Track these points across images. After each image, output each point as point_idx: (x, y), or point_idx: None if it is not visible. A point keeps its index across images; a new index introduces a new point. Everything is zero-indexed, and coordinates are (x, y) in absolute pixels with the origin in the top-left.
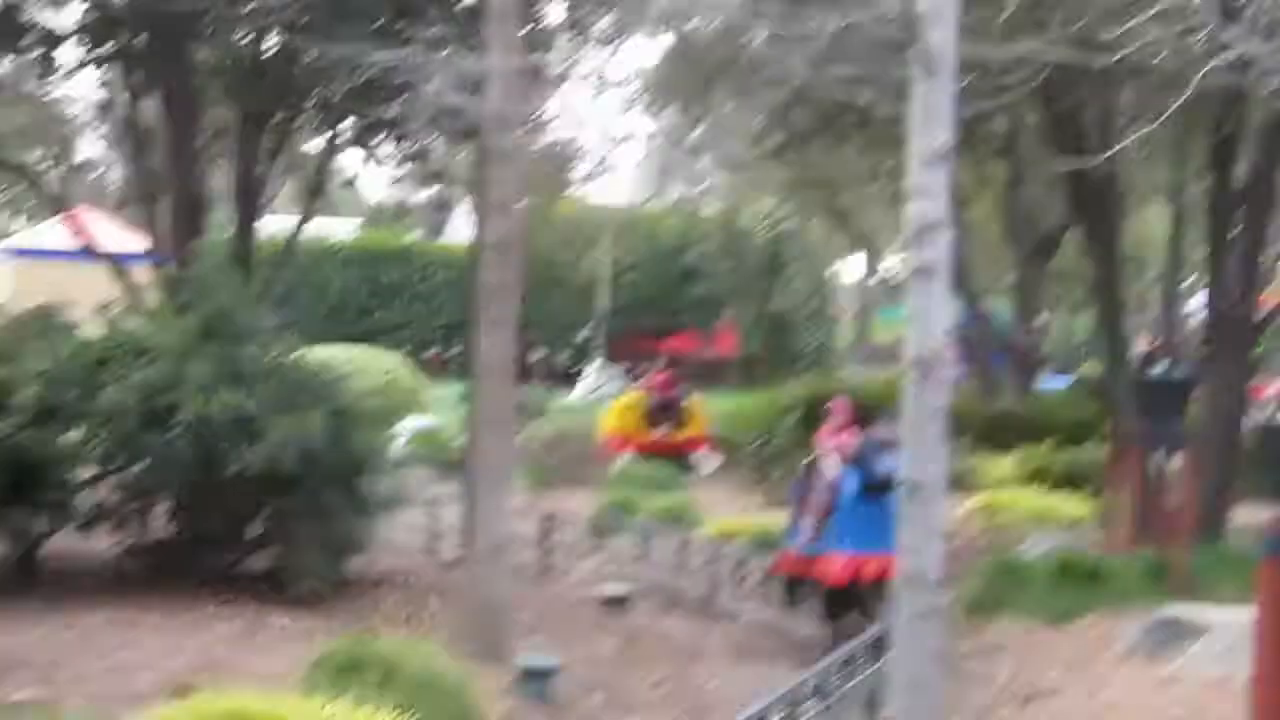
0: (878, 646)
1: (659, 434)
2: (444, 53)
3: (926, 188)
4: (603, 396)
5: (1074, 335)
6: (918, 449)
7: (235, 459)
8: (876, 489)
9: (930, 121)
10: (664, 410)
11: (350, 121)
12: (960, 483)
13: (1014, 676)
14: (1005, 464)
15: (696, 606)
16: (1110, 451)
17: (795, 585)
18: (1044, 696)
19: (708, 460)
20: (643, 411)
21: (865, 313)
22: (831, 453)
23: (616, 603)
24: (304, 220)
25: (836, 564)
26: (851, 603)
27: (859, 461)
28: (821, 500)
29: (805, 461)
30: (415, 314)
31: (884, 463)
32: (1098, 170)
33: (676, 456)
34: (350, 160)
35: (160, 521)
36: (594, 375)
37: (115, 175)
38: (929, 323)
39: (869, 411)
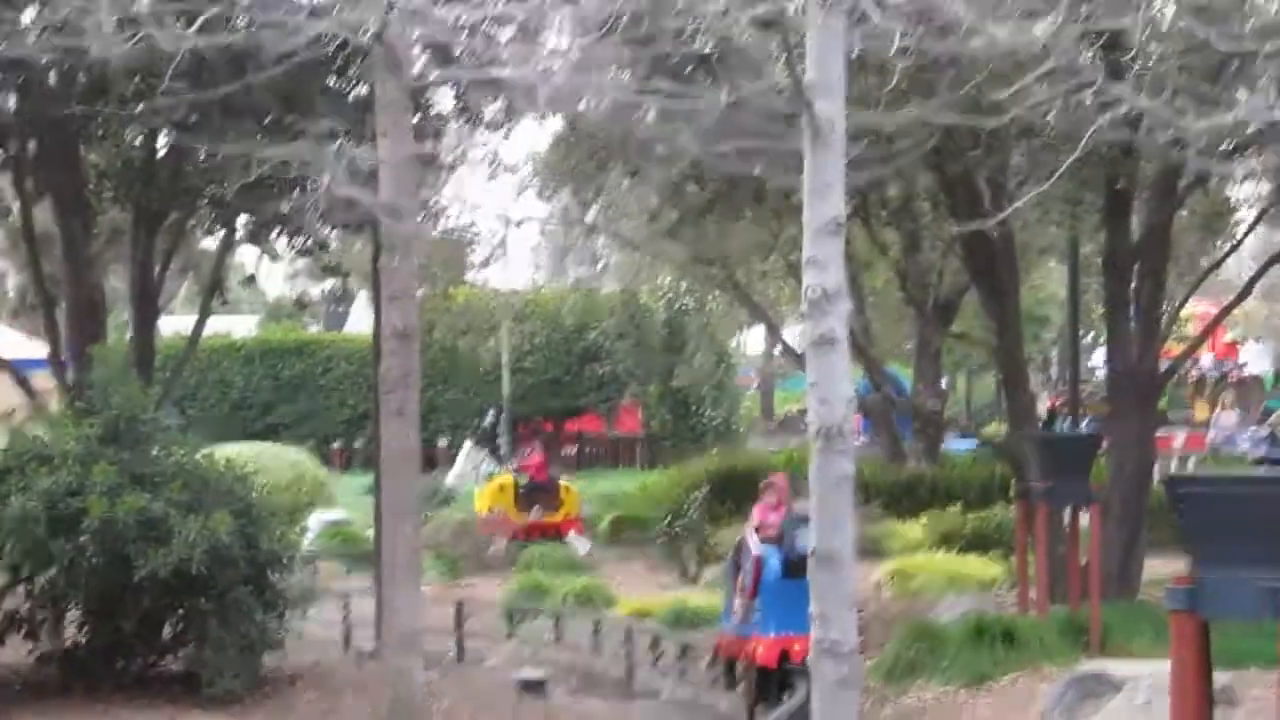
0: (800, 717)
1: (533, 516)
2: (335, 145)
3: (821, 258)
4: (477, 479)
5: (977, 397)
6: (825, 518)
7: (144, 562)
8: (800, 568)
9: (823, 192)
10: (537, 492)
11: (245, 218)
12: (871, 550)
13: None
14: (915, 529)
15: (615, 687)
16: (1019, 511)
17: (733, 666)
18: None
19: (580, 542)
20: (514, 494)
21: (768, 385)
22: (752, 532)
23: (534, 687)
24: (203, 319)
25: (763, 645)
26: (782, 684)
27: (781, 540)
28: (748, 581)
29: (736, 541)
30: (318, 407)
31: (806, 539)
32: (993, 232)
33: (550, 538)
34: (247, 257)
35: (72, 628)
36: (466, 458)
37: (11, 282)
38: (830, 392)
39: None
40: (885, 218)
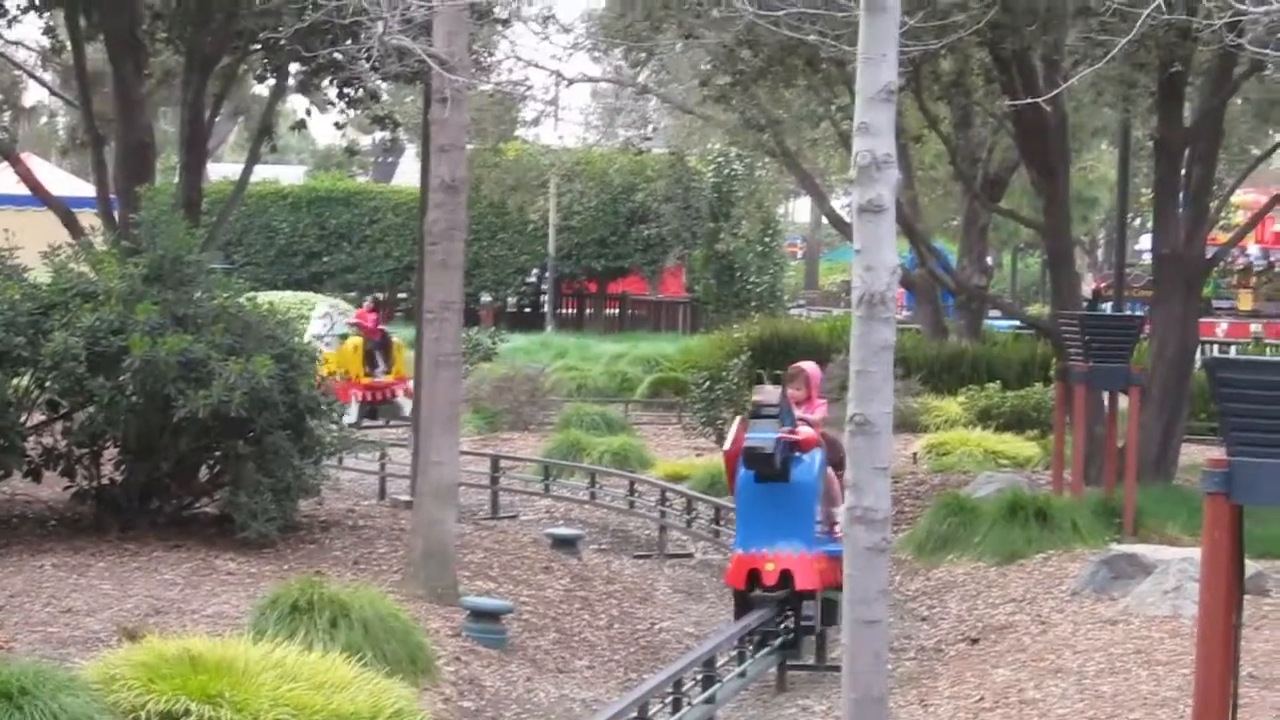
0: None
1: (376, 376)
2: None
3: (873, 125)
4: (329, 341)
5: (1022, 276)
6: (864, 386)
7: (183, 403)
8: (760, 466)
9: (876, 60)
10: (377, 350)
11: (297, 65)
12: (908, 424)
13: (963, 615)
14: (953, 405)
15: (646, 548)
16: (1058, 391)
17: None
18: (993, 634)
19: (406, 403)
20: (363, 354)
21: (813, 254)
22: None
23: (566, 544)
24: (251, 164)
25: (730, 563)
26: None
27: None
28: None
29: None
30: (363, 258)
31: (757, 433)
32: (1045, 111)
33: (385, 400)
34: (298, 104)
35: (109, 467)
36: (319, 318)
37: (62, 121)
38: (876, 259)
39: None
40: (937, 92)
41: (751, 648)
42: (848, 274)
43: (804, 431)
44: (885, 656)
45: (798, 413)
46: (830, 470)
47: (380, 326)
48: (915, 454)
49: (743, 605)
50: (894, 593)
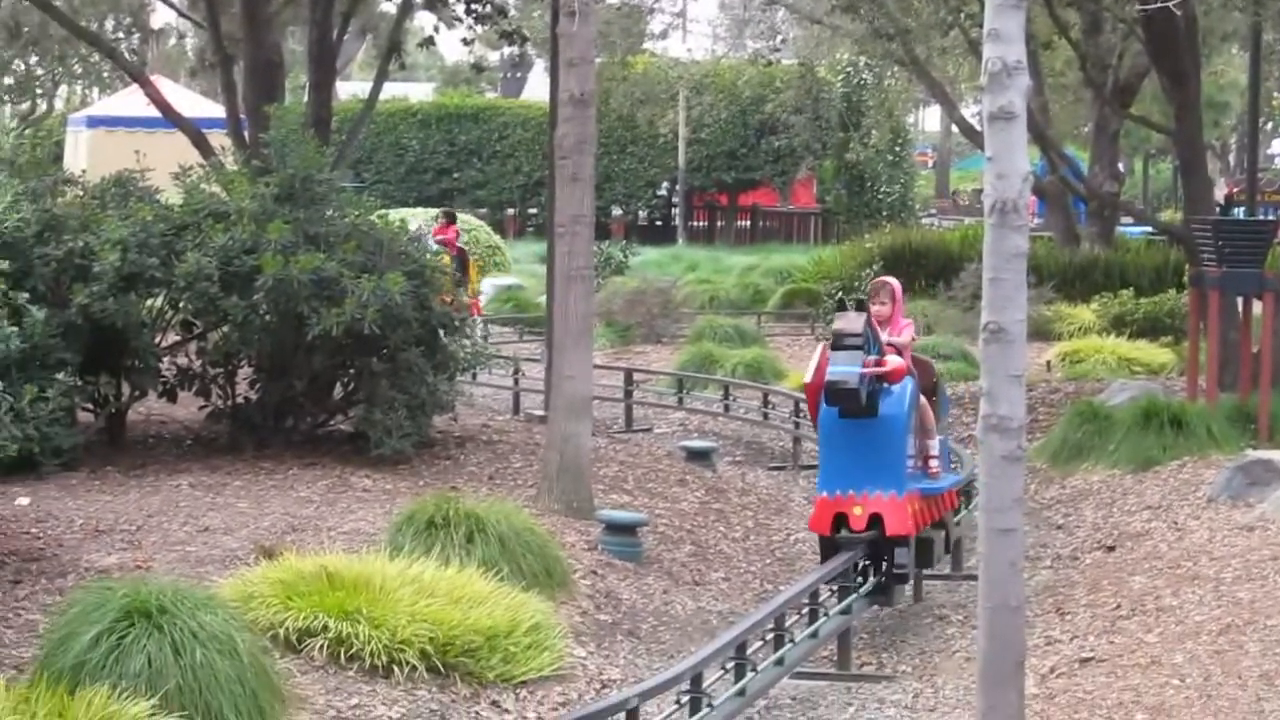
0: (962, 495)
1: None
2: None
3: (1003, 31)
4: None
5: (1153, 182)
6: (997, 293)
7: (316, 321)
8: (844, 402)
9: None
10: (459, 270)
11: None
12: (1041, 332)
13: (1099, 523)
14: (1086, 312)
15: (780, 459)
16: (1191, 298)
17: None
18: (1129, 542)
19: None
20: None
21: (943, 164)
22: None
23: (700, 457)
24: (380, 81)
25: (814, 506)
26: (850, 555)
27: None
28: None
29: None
30: (493, 174)
31: (840, 366)
32: (1175, 15)
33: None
34: (425, 21)
35: (243, 386)
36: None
37: (190, 42)
38: (1007, 167)
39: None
40: None
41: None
42: (979, 183)
43: (892, 361)
44: (1021, 565)
45: (884, 336)
46: (923, 399)
47: (459, 244)
48: (1049, 362)
49: (830, 551)
50: (1029, 501)
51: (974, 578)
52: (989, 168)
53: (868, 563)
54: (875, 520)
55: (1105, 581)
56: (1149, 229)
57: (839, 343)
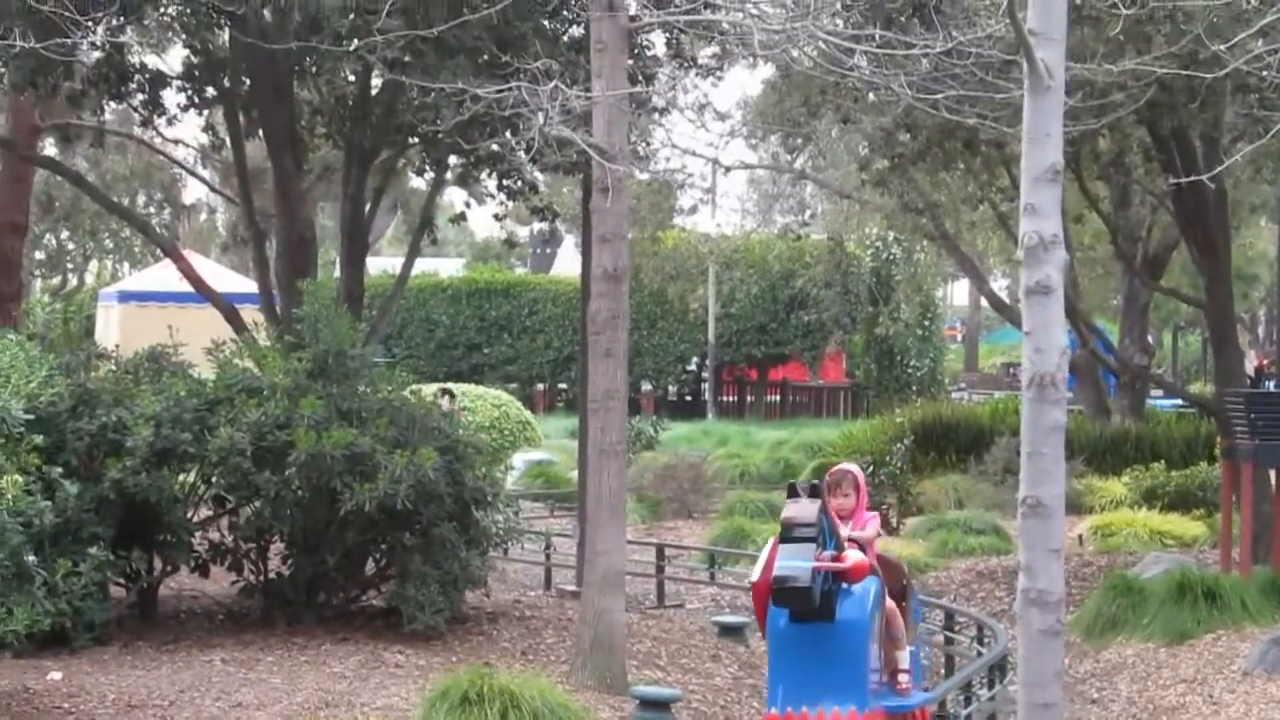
0: (996, 670)
1: None
2: (549, 85)
3: (1039, 206)
4: None
5: (1182, 355)
6: (1036, 468)
7: (349, 496)
8: (795, 603)
9: (1041, 140)
10: None
11: (455, 158)
12: (1073, 505)
13: (1134, 697)
14: (1118, 485)
15: None
16: (1224, 470)
17: None
18: (1164, 716)
19: None
20: None
21: (973, 337)
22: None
23: (733, 631)
24: (412, 257)
25: None
26: None
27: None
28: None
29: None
30: (523, 349)
31: (789, 560)
32: (1205, 188)
33: None
34: (456, 197)
35: (275, 561)
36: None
37: (221, 217)
38: (1045, 341)
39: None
40: (1097, 171)
41: None
42: (1008, 356)
43: (852, 556)
44: None
45: (845, 530)
46: (890, 603)
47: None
48: (1081, 535)
49: None
50: (1063, 675)
51: None
52: (1027, 342)
53: None
54: None
55: None
56: (1179, 401)
57: (789, 534)
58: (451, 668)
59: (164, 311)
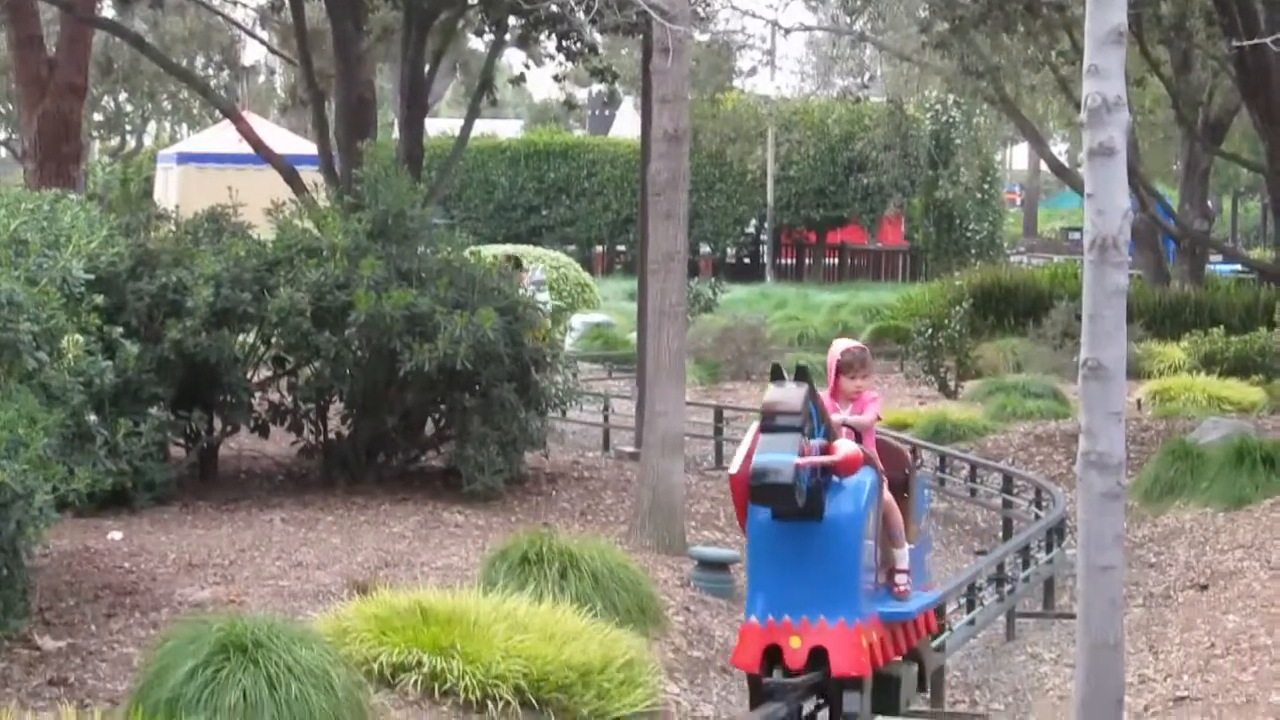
0: (1054, 534)
1: None
2: None
3: (1103, 67)
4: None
5: (1242, 220)
6: (1098, 330)
7: (409, 357)
8: (777, 499)
9: (1105, 1)
10: None
11: (515, 19)
12: (1132, 370)
13: (1191, 561)
14: (1177, 351)
15: None
16: None
17: None
18: (1222, 580)
19: None
20: None
21: (1031, 201)
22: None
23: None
24: (471, 119)
25: (742, 635)
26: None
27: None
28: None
29: None
30: (582, 211)
31: (770, 453)
32: (1267, 52)
33: None
34: (515, 58)
35: (335, 421)
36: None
37: (280, 79)
38: (1107, 203)
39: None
40: (1158, 35)
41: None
42: (1067, 221)
43: (842, 447)
44: (1120, 603)
45: (842, 416)
46: (889, 498)
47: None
48: (1139, 400)
49: (762, 697)
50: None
51: (1066, 616)
52: (1089, 204)
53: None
54: (818, 655)
55: (1199, 620)
56: (1239, 267)
57: (771, 422)
58: (511, 528)
59: (223, 173)
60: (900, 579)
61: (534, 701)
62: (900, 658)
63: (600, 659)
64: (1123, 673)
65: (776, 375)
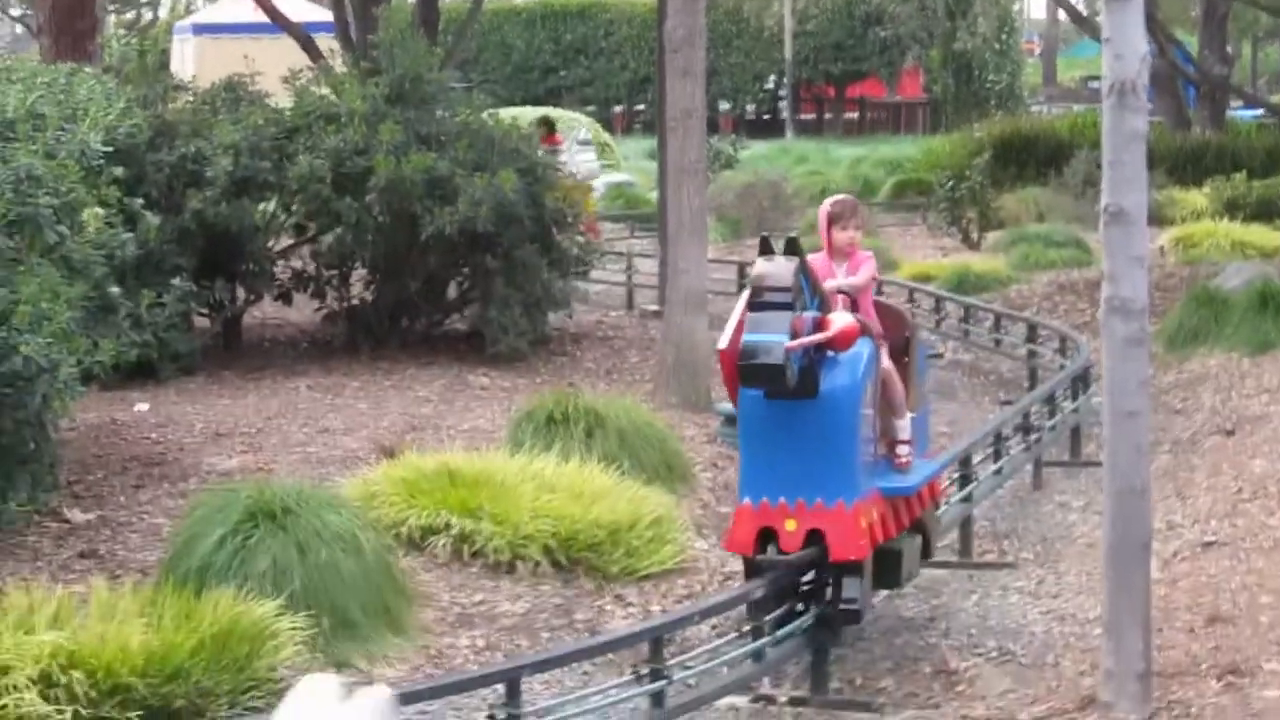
0: (1079, 381)
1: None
2: None
3: None
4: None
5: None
6: (1118, 176)
7: (430, 220)
8: (766, 379)
9: None
10: None
11: None
12: (1154, 217)
13: (1217, 407)
14: (1199, 197)
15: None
16: None
17: None
18: (1248, 425)
19: None
20: None
21: (1050, 51)
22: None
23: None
24: None
25: (734, 518)
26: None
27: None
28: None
29: None
30: (600, 71)
31: (759, 333)
32: None
33: None
34: None
35: (358, 287)
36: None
37: None
38: (1125, 47)
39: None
40: None
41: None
42: (1086, 70)
43: (837, 320)
44: (1146, 449)
45: (835, 282)
46: (887, 363)
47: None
48: (1162, 247)
49: (753, 575)
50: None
51: (1093, 464)
52: (1106, 49)
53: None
54: (814, 536)
55: (1225, 465)
56: (1260, 112)
57: (759, 298)
58: (536, 389)
59: (239, 43)
60: (902, 450)
61: (563, 561)
62: (903, 531)
63: (628, 517)
64: (1150, 518)
65: (765, 248)
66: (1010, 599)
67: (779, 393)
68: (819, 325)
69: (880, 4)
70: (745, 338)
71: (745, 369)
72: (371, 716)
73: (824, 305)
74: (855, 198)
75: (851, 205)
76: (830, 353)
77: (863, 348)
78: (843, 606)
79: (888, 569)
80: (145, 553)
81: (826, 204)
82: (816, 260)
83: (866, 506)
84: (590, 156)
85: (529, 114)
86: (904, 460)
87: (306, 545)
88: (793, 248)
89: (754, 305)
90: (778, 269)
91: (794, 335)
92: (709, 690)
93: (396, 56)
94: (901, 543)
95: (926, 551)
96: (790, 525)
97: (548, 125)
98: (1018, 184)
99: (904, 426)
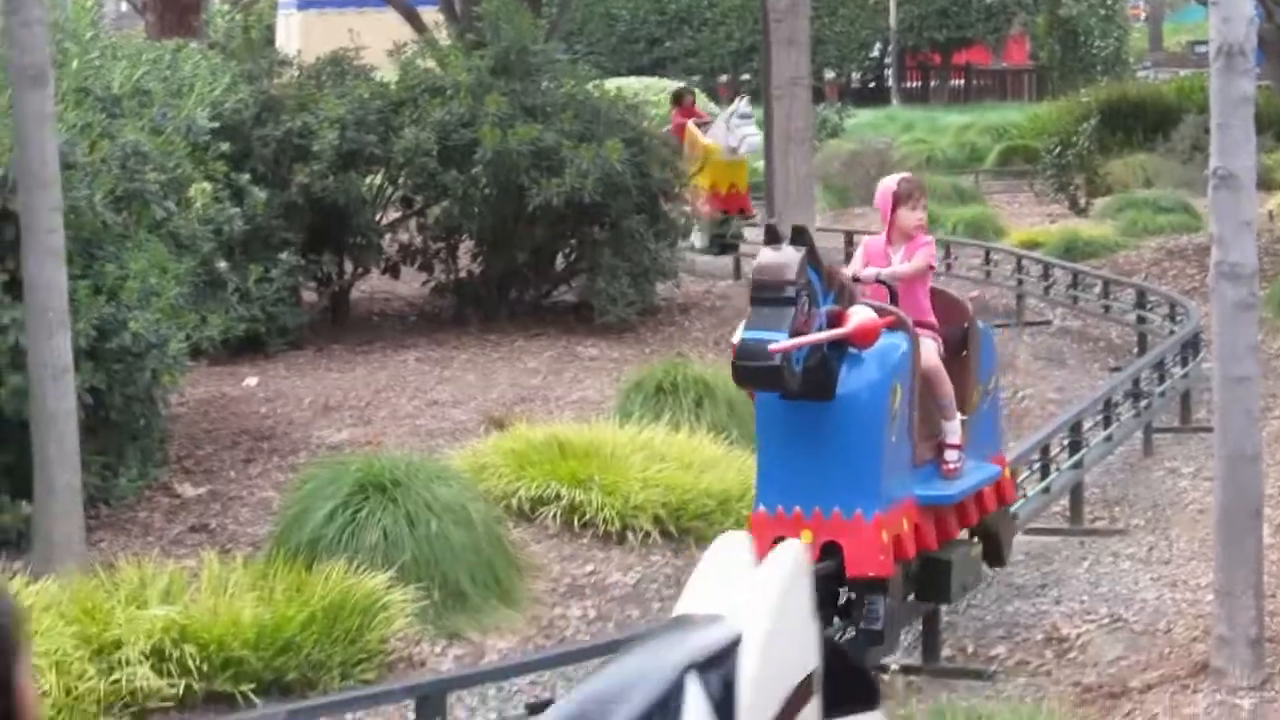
0: (1189, 347)
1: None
2: None
3: None
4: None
5: None
6: (1226, 139)
7: (537, 192)
8: (765, 380)
9: None
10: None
11: None
12: (1262, 181)
13: None
14: None
15: (1004, 316)
16: None
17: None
18: None
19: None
20: None
21: (1157, 15)
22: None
23: None
24: None
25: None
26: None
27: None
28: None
29: None
30: (705, 40)
31: (755, 331)
32: None
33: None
34: None
35: (465, 259)
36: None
37: None
38: (1233, 10)
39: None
40: None
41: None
42: (1193, 34)
43: (857, 315)
44: (1256, 414)
45: (872, 270)
46: (933, 360)
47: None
48: (1270, 212)
49: None
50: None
51: (1204, 430)
52: (1214, 12)
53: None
54: (832, 549)
55: None
56: None
57: (760, 294)
58: (644, 359)
59: (343, 18)
60: (950, 455)
61: (673, 530)
62: (959, 537)
63: (738, 486)
64: (1261, 484)
65: (771, 237)
66: (1121, 565)
67: (791, 394)
68: (836, 320)
69: None
70: (742, 335)
71: (739, 370)
72: (791, 566)
73: (849, 298)
74: (917, 179)
75: (920, 184)
76: (853, 350)
77: (897, 344)
78: (863, 625)
79: (934, 580)
80: (256, 526)
81: (892, 181)
82: (874, 243)
83: (893, 518)
84: (751, 129)
85: (632, 85)
86: (953, 466)
87: (416, 517)
88: (800, 237)
89: (755, 300)
90: (780, 260)
91: (797, 333)
92: None
93: (501, 29)
94: (952, 552)
95: (997, 558)
96: (806, 537)
97: (681, 98)
98: (1125, 150)
99: (953, 429)
